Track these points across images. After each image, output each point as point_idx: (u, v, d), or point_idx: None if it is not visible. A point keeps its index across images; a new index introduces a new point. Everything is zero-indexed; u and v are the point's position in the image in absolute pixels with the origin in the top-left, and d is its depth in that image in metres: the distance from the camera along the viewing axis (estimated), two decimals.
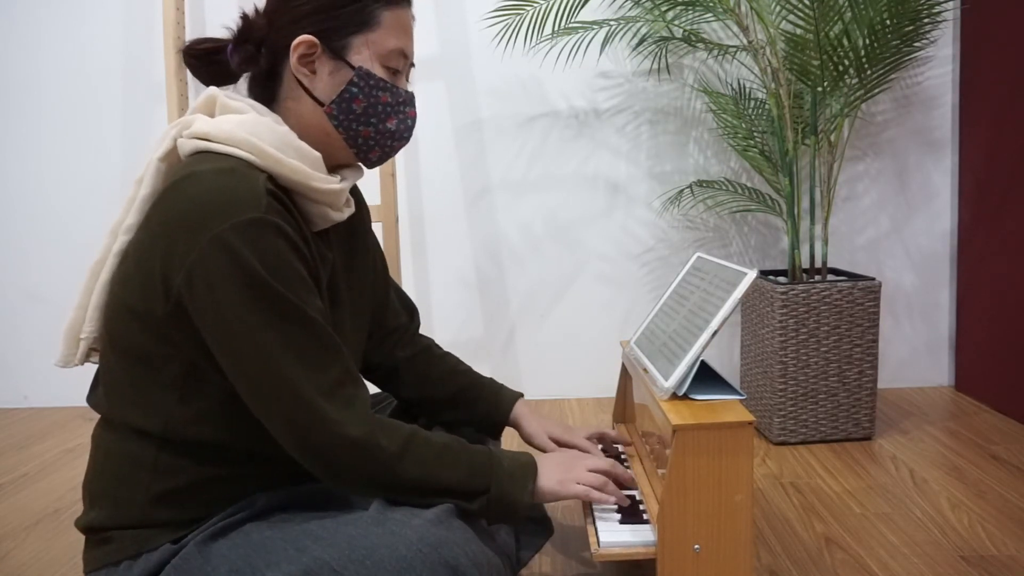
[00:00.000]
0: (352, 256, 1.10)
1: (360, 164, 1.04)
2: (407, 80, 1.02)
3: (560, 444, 1.22)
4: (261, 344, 0.84)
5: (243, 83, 1.02)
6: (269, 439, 0.91)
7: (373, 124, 0.98)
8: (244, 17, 0.97)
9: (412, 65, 1.02)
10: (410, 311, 1.27)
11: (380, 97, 0.97)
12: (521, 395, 1.26)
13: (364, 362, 1.21)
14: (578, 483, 1.03)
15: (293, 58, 0.94)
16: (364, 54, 0.95)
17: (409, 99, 1.00)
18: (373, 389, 1.28)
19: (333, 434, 0.87)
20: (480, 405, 1.23)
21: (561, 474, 1.03)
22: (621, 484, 1.12)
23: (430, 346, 1.26)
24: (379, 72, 0.96)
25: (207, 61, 0.99)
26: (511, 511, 0.96)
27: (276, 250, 0.84)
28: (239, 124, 0.90)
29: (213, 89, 0.96)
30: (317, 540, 0.86)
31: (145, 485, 0.90)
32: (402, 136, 1.01)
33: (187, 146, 0.91)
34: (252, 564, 0.85)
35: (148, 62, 2.26)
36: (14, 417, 2.30)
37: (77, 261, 2.34)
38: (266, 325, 0.84)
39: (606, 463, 1.08)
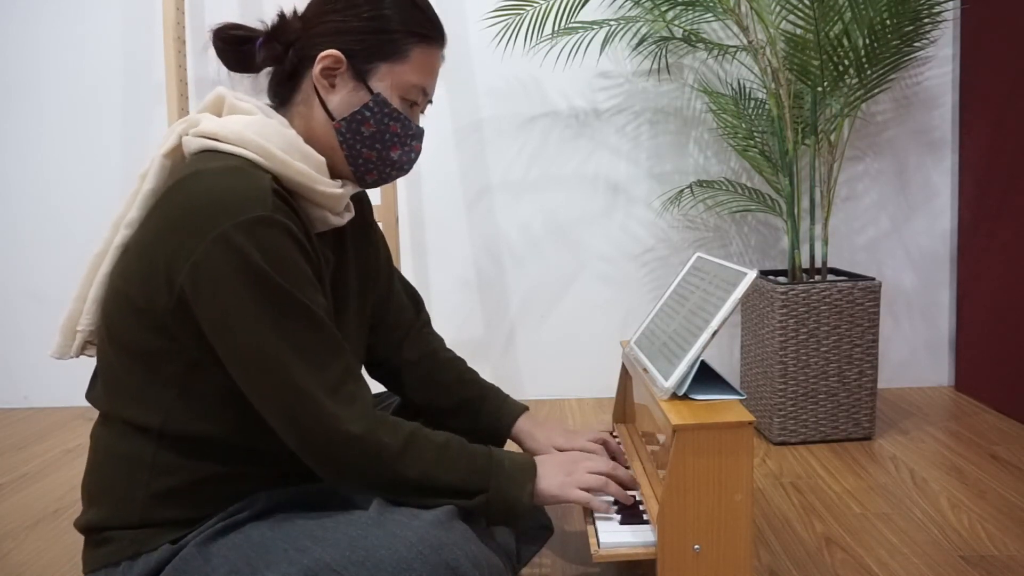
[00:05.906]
0: (353, 254, 1.10)
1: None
2: (422, 114, 1.04)
3: (564, 451, 1.21)
4: (264, 340, 0.84)
5: (250, 82, 1.03)
6: (270, 435, 0.91)
7: (377, 149, 0.99)
8: (281, 16, 0.98)
9: (430, 102, 1.04)
10: (416, 303, 1.26)
11: (390, 126, 0.98)
12: (526, 408, 1.24)
13: (369, 356, 1.21)
14: (579, 486, 1.03)
15: (316, 68, 0.95)
16: (386, 82, 0.97)
17: (418, 133, 1.02)
18: (377, 387, 1.28)
19: (335, 430, 0.87)
20: (482, 418, 1.22)
21: (561, 477, 1.03)
22: (622, 485, 1.11)
23: (437, 350, 1.24)
24: (395, 102, 0.98)
25: (235, 47, 1.00)
26: (510, 512, 0.96)
27: (282, 248, 0.85)
28: (247, 125, 0.91)
29: (221, 89, 0.98)
30: (317, 541, 0.86)
31: (144, 483, 0.90)
32: (402, 167, 1.03)
33: (193, 144, 0.91)
34: (252, 565, 0.85)
35: (148, 62, 2.26)
36: (14, 417, 2.30)
37: (77, 261, 2.34)
38: (270, 322, 0.84)
39: (607, 465, 1.08)
